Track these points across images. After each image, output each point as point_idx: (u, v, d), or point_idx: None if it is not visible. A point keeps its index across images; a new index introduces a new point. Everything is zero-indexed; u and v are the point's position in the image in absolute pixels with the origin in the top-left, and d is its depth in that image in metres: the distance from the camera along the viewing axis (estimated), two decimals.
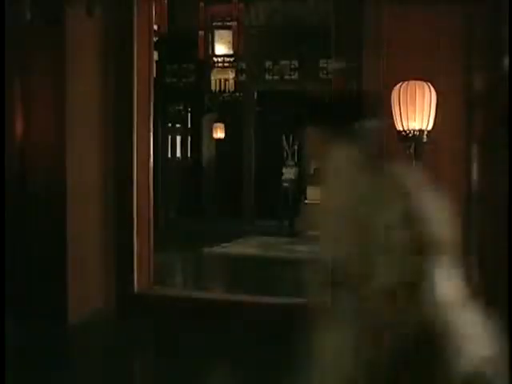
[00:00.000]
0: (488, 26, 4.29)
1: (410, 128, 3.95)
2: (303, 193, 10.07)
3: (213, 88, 9.81)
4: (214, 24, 9.39)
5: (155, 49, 6.07)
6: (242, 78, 11.20)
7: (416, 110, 3.93)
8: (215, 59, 9.60)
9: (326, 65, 10.52)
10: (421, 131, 3.95)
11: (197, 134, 13.65)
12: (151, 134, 5.65)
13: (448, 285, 1.70)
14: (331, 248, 1.81)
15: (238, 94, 10.45)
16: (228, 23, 9.37)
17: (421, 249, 1.67)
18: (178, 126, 13.44)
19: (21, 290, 4.96)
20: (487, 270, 3.99)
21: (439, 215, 1.73)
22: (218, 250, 9.42)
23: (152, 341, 5.08)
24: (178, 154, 13.48)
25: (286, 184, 12.09)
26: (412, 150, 3.97)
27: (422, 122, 3.95)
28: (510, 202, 4.00)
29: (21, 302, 4.89)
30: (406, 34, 4.45)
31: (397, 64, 4.40)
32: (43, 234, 5.11)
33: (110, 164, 5.48)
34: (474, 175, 4.36)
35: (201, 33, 9.49)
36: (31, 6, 5.06)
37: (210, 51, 9.56)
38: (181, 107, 13.59)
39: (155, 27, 6.29)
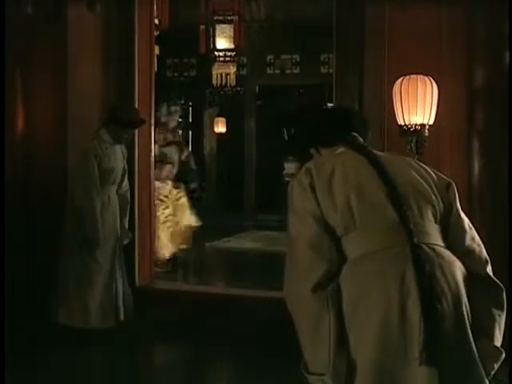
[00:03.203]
0: (490, 20, 4.28)
1: (412, 122, 3.95)
2: None
3: (214, 82, 9.79)
4: (215, 18, 9.35)
5: (156, 43, 6.06)
6: (244, 72, 11.19)
7: (417, 104, 3.93)
8: (216, 53, 9.56)
9: (327, 59, 10.51)
10: (422, 125, 3.95)
11: (198, 129, 13.63)
12: (152, 128, 5.65)
13: None
14: None
15: (239, 89, 10.42)
16: (229, 17, 9.33)
17: None
18: (179, 120, 13.42)
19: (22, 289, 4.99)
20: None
21: None
22: (219, 244, 9.43)
23: (153, 336, 5.09)
24: None
25: (287, 178, 12.08)
26: (413, 145, 3.97)
27: (424, 116, 3.94)
28: (511, 199, 4.00)
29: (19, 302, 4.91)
30: (408, 29, 4.43)
31: (399, 58, 4.39)
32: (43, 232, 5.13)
33: None
34: (475, 170, 4.35)
35: (202, 27, 9.46)
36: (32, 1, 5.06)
37: (211, 45, 9.53)
38: (182, 101, 13.58)
39: (156, 21, 6.28)
